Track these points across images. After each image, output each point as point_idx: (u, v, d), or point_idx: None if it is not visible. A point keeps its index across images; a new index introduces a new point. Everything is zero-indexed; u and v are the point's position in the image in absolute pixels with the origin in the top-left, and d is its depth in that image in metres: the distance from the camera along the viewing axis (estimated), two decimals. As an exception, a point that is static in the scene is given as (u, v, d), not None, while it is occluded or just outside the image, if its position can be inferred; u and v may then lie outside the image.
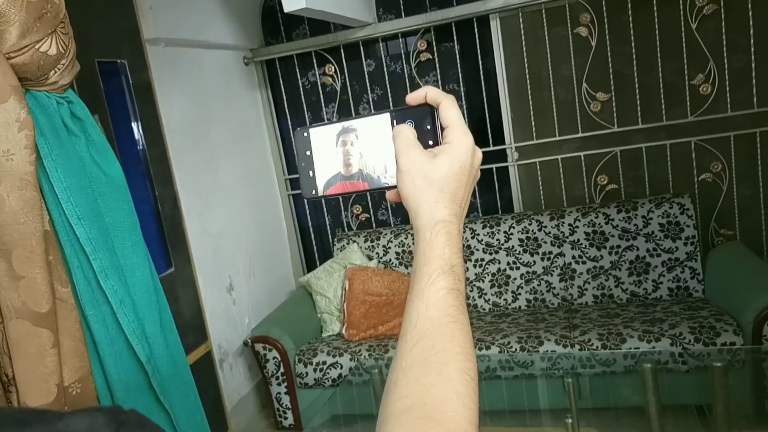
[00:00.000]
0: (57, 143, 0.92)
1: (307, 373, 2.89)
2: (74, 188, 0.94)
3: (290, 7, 2.29)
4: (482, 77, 3.27)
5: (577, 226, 3.05)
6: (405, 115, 0.59)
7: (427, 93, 0.58)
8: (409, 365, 0.51)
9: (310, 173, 0.62)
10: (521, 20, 3.14)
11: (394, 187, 0.59)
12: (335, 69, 3.48)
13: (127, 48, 2.32)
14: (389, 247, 3.32)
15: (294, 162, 3.68)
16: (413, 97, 0.59)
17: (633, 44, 3.04)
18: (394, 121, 0.59)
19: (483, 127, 3.31)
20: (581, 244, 3.04)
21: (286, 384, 2.92)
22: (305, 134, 0.62)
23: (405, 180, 0.56)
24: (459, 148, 0.56)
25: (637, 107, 3.10)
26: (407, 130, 0.58)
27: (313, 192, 0.62)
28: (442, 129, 0.58)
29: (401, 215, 3.63)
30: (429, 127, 0.58)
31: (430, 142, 0.58)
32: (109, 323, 1.03)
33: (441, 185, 0.55)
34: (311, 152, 0.62)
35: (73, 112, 0.98)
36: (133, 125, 2.39)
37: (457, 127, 0.57)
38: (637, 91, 3.09)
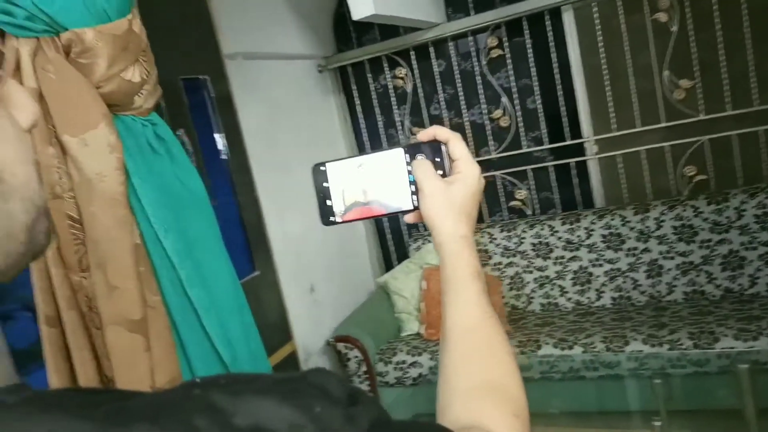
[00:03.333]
0: (143, 163, 1.00)
1: (387, 372, 2.93)
2: (160, 204, 1.01)
3: (359, 15, 2.32)
4: (556, 70, 3.19)
5: (664, 221, 2.92)
6: (417, 150, 0.68)
7: (436, 131, 0.68)
8: (466, 353, 0.60)
9: (327, 202, 0.69)
10: (595, 10, 3.04)
11: (411, 210, 0.68)
12: (406, 71, 3.50)
13: (207, 64, 2.45)
14: (466, 247, 3.31)
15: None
16: (424, 135, 0.68)
17: (718, 28, 2.88)
18: (407, 155, 0.68)
19: (558, 121, 3.23)
20: (668, 238, 2.91)
21: (368, 382, 2.97)
22: (322, 168, 0.69)
23: (429, 202, 0.66)
24: (470, 177, 0.66)
25: (724, 93, 2.93)
26: (427, 162, 0.68)
27: (330, 218, 0.69)
28: (451, 161, 0.68)
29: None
30: (438, 159, 0.68)
31: (440, 172, 0.67)
32: (195, 328, 1.10)
33: (459, 207, 0.65)
34: (328, 184, 0.69)
35: (157, 133, 1.05)
36: (216, 136, 2.52)
37: (466, 160, 0.67)
38: (724, 76, 2.91)
